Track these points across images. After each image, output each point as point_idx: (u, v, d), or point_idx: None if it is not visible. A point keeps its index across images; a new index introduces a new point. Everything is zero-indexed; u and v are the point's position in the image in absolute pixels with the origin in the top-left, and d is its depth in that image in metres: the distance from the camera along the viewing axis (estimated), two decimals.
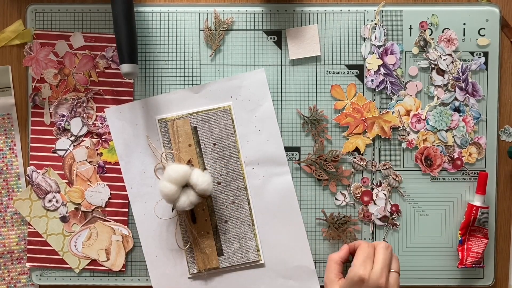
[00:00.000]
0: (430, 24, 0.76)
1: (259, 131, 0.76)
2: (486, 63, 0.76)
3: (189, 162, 0.75)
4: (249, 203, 0.76)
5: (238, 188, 0.76)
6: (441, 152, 0.76)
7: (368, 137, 0.76)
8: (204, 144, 0.76)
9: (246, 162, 0.76)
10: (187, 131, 0.75)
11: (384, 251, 0.68)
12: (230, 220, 0.76)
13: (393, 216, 0.77)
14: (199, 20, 0.76)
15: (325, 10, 0.76)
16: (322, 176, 0.76)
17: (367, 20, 0.76)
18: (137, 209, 0.76)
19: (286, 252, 0.76)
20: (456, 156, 0.76)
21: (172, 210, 0.74)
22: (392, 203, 0.77)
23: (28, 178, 0.76)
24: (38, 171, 0.76)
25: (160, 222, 0.76)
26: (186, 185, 0.72)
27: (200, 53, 0.77)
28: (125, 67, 0.70)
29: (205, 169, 0.76)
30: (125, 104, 0.76)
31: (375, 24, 0.76)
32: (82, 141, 0.76)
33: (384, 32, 0.76)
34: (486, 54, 0.76)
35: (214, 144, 0.76)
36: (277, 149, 0.76)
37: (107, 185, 0.77)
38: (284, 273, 0.76)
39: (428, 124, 0.76)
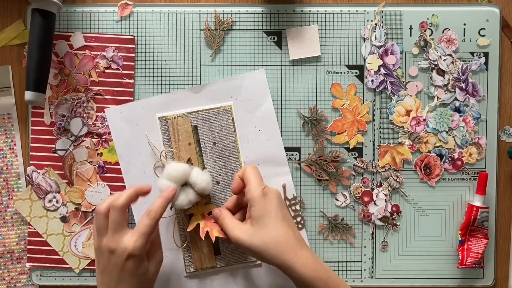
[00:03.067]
0: (430, 25, 0.76)
1: (259, 131, 0.76)
2: (486, 63, 0.76)
3: (189, 161, 0.75)
4: None
5: None
6: (442, 159, 0.76)
7: (361, 135, 0.76)
8: (204, 143, 0.76)
9: (246, 162, 0.76)
10: (187, 130, 0.75)
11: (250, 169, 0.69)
12: None
13: (393, 217, 0.77)
14: (199, 20, 0.76)
15: (325, 10, 0.76)
16: (322, 177, 0.76)
17: (367, 20, 0.76)
18: (137, 209, 0.76)
19: None
20: (456, 156, 0.76)
21: (171, 208, 0.74)
22: (392, 204, 0.77)
23: (28, 178, 0.76)
24: (38, 171, 0.76)
25: (161, 222, 0.76)
26: (185, 184, 0.72)
27: (200, 53, 0.77)
28: (27, 95, 0.69)
29: (204, 168, 0.76)
30: (125, 104, 0.76)
31: (375, 24, 0.76)
32: (82, 141, 0.76)
33: (384, 32, 0.76)
34: (486, 55, 0.76)
35: (214, 144, 0.76)
36: (277, 149, 0.76)
37: (107, 185, 0.77)
38: (281, 273, 0.76)
39: (428, 126, 0.76)
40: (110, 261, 0.64)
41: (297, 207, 0.76)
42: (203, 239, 0.73)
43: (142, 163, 0.76)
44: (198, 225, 0.74)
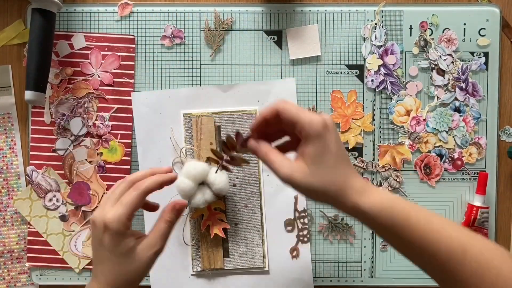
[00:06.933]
0: (430, 24, 0.76)
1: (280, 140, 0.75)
2: (486, 63, 0.76)
3: (208, 160, 0.75)
4: (261, 209, 0.76)
5: (253, 193, 0.76)
6: (442, 159, 0.76)
7: (360, 134, 0.76)
8: None
9: (262, 168, 0.76)
10: (210, 129, 0.75)
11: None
12: (241, 223, 0.76)
13: None
14: (199, 20, 0.76)
15: (325, 10, 0.76)
16: None
17: (367, 20, 0.76)
18: (147, 197, 0.76)
19: (288, 263, 0.76)
20: (456, 156, 0.76)
21: (186, 206, 0.74)
22: None
23: (27, 177, 0.76)
24: (37, 170, 0.76)
25: None
26: (202, 183, 0.72)
27: (200, 53, 0.77)
28: (27, 94, 0.70)
29: None
30: (152, 91, 0.76)
31: (375, 24, 0.76)
32: (82, 140, 0.76)
33: (384, 32, 0.76)
34: (486, 54, 0.76)
35: None
36: None
37: (107, 184, 0.76)
38: (282, 283, 0.76)
39: (428, 126, 0.76)
40: (92, 234, 0.58)
41: (306, 220, 0.76)
42: (210, 235, 0.73)
43: (160, 152, 0.76)
44: (202, 216, 0.75)
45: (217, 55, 0.77)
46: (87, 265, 0.77)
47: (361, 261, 0.77)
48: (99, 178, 0.76)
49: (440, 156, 0.76)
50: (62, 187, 0.76)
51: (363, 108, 0.76)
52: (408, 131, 0.76)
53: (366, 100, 0.76)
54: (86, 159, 0.77)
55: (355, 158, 0.77)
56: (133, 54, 0.76)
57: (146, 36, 0.76)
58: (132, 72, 0.76)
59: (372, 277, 0.77)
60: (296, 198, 0.76)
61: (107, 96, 0.76)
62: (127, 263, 0.57)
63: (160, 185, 0.60)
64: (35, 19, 0.70)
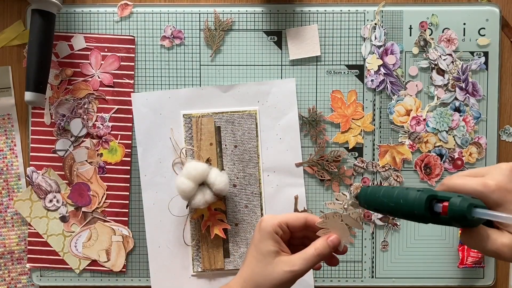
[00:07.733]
0: (430, 24, 0.76)
1: (280, 140, 0.76)
2: (486, 63, 0.76)
3: (208, 161, 0.75)
4: (261, 209, 0.76)
5: (253, 193, 0.76)
6: (442, 159, 0.76)
7: (360, 134, 0.76)
8: (225, 145, 0.76)
9: (262, 168, 0.76)
10: (210, 130, 0.75)
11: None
12: (241, 223, 0.76)
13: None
14: (199, 21, 0.76)
15: (325, 10, 0.76)
16: (324, 177, 0.76)
17: (367, 20, 0.76)
18: (147, 197, 0.76)
19: None
20: (456, 156, 0.76)
21: (187, 207, 0.74)
22: None
23: (28, 178, 0.76)
24: (38, 171, 0.76)
25: (170, 215, 0.76)
26: (202, 184, 0.72)
27: (200, 53, 0.77)
28: (27, 95, 0.69)
29: (222, 169, 0.76)
30: (152, 92, 0.76)
31: (375, 24, 0.76)
32: (82, 141, 0.76)
33: (384, 32, 0.76)
34: (486, 54, 0.76)
35: (235, 146, 0.76)
36: (295, 160, 0.76)
37: (107, 185, 0.76)
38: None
39: (428, 126, 0.76)
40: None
41: None
42: (210, 236, 0.73)
43: (160, 153, 0.76)
44: (202, 216, 0.75)
45: (217, 56, 0.77)
46: (87, 265, 0.77)
47: (361, 261, 0.77)
48: (99, 178, 0.76)
49: (440, 156, 0.76)
50: (62, 188, 0.76)
51: (363, 108, 0.76)
52: (408, 131, 0.76)
53: (366, 100, 0.77)
54: (86, 160, 0.77)
55: (355, 158, 0.77)
56: (133, 55, 0.76)
57: (146, 36, 0.76)
58: (132, 72, 0.76)
59: (372, 277, 0.77)
60: (296, 198, 0.76)
61: (107, 97, 0.76)
62: (263, 263, 0.57)
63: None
64: (35, 20, 0.70)
